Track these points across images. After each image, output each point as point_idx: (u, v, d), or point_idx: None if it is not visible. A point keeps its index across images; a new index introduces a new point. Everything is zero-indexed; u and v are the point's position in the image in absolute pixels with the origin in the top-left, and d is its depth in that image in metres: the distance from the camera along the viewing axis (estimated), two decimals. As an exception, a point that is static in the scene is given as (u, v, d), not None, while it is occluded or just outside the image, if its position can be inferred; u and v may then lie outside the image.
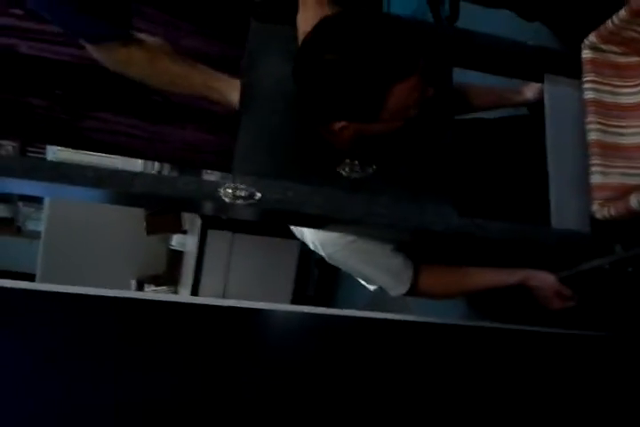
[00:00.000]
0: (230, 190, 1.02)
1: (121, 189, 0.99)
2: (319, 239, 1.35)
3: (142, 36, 1.32)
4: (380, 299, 1.58)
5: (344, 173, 1.13)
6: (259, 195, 1.03)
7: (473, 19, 1.75)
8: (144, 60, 1.28)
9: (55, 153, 3.18)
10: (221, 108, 1.50)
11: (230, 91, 1.24)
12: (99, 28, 1.21)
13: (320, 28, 1.07)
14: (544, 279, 1.37)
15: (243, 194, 1.03)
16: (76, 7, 1.15)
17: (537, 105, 1.46)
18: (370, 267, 1.39)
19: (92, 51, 1.26)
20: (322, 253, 1.39)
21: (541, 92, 1.40)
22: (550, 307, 1.38)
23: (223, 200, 1.02)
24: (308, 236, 1.37)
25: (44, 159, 3.07)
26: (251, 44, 1.20)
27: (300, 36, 1.13)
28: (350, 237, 1.32)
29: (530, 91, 1.53)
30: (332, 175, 1.12)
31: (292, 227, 1.41)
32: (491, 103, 1.60)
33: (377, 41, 1.03)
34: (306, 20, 1.13)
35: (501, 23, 1.67)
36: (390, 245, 1.37)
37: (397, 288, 1.41)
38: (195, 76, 1.30)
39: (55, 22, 1.19)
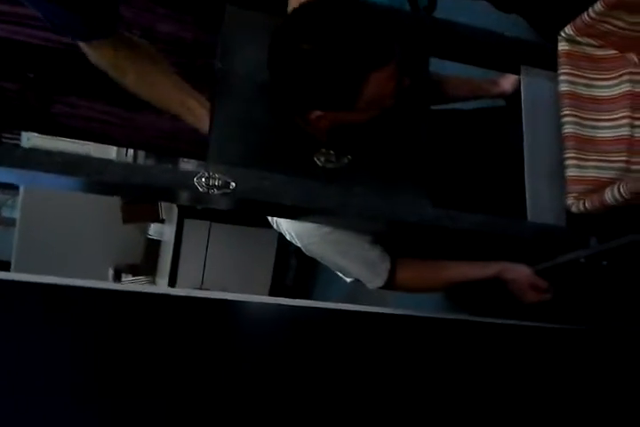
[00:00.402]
0: (204, 179, 1.01)
1: (92, 178, 0.97)
2: (295, 230, 1.35)
3: (130, 35, 1.30)
4: (358, 289, 1.58)
5: (319, 162, 1.13)
6: (233, 184, 1.02)
7: (450, 9, 1.75)
8: (129, 67, 1.27)
9: (30, 139, 3.14)
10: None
11: (204, 117, 1.25)
12: (83, 26, 1.19)
13: (293, 16, 1.06)
14: (519, 272, 1.37)
15: (217, 183, 1.02)
16: (61, 4, 1.13)
17: (514, 97, 1.46)
18: (346, 259, 1.39)
19: (82, 46, 1.24)
20: (298, 244, 1.38)
21: (518, 84, 1.41)
22: (525, 300, 1.38)
23: (198, 189, 1.01)
24: (284, 226, 1.37)
25: (17, 146, 3.04)
26: (225, 30, 1.18)
27: None
28: (326, 229, 1.32)
29: (507, 83, 1.53)
30: (307, 165, 1.12)
31: (269, 217, 1.41)
32: (467, 94, 1.60)
33: (352, 29, 1.01)
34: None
35: (479, 14, 1.67)
36: (367, 237, 1.37)
37: (374, 281, 1.41)
38: (174, 94, 1.30)
39: (41, 15, 1.17)
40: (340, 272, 1.45)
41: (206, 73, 1.73)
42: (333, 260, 1.40)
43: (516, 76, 1.43)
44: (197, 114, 1.29)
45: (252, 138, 1.13)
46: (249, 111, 1.14)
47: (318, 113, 1.09)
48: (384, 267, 1.39)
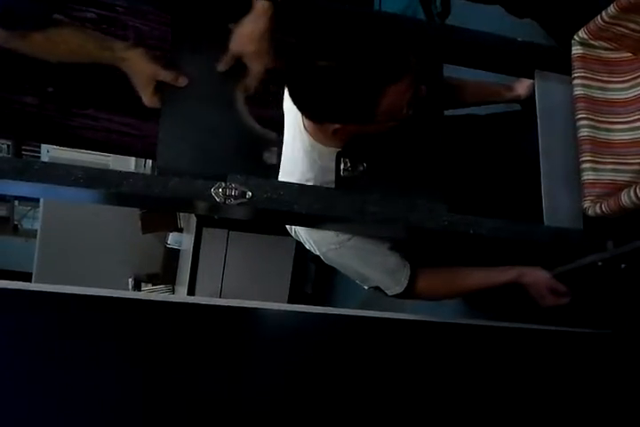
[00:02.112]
0: (222, 190, 1.02)
1: (111, 190, 0.99)
2: (313, 238, 1.35)
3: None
4: (376, 296, 1.57)
5: (342, 172, 1.14)
6: (250, 194, 1.03)
7: (464, 15, 1.75)
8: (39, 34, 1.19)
9: (49, 152, 3.17)
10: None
11: (127, 51, 1.19)
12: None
13: (310, 33, 1.09)
14: (537, 276, 1.36)
15: (234, 193, 1.03)
16: None
17: (529, 101, 1.46)
18: (366, 266, 1.37)
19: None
20: (317, 252, 1.38)
21: (534, 89, 1.40)
22: (544, 304, 1.37)
23: (214, 200, 1.02)
24: (303, 234, 1.37)
25: (36, 159, 3.08)
26: (175, 36, 1.20)
27: (236, 41, 1.14)
28: (345, 236, 1.31)
29: (522, 87, 1.52)
30: (258, 164, 1.13)
31: (287, 225, 1.41)
32: (482, 99, 1.60)
33: (367, 44, 1.03)
34: (248, 32, 1.14)
35: (492, 20, 1.67)
36: (386, 243, 1.36)
37: (394, 288, 1.40)
38: (89, 41, 1.22)
39: None
40: (359, 280, 1.44)
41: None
42: (353, 267, 1.38)
43: (531, 81, 1.43)
44: (116, 50, 1.21)
45: (200, 139, 1.15)
46: (199, 114, 1.16)
47: (337, 126, 1.10)
48: (404, 274, 1.38)
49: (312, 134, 1.21)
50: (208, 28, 1.19)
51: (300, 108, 1.12)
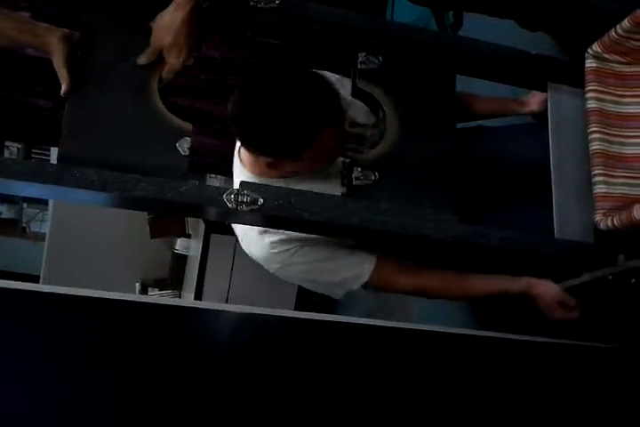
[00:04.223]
0: (233, 196, 1.02)
1: (123, 194, 0.99)
2: (256, 257, 1.37)
3: None
4: (382, 307, 1.58)
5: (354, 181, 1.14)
6: (261, 200, 1.03)
7: (476, 28, 1.76)
8: None
9: (60, 156, 3.18)
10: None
11: (47, 33, 1.15)
12: None
13: (255, 77, 1.16)
14: (547, 288, 1.35)
15: (246, 200, 1.03)
16: None
17: (541, 114, 1.46)
18: (316, 276, 1.39)
19: None
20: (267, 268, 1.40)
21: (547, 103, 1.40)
22: (552, 317, 1.35)
23: (226, 205, 1.02)
24: (249, 253, 1.39)
25: (48, 161, 3.09)
26: (87, 18, 1.18)
27: (154, 33, 1.15)
28: (286, 254, 1.33)
29: (534, 103, 1.52)
30: (169, 154, 1.12)
31: (240, 240, 1.41)
32: (494, 113, 1.60)
33: (307, 90, 1.13)
34: (166, 23, 1.14)
35: (504, 32, 1.67)
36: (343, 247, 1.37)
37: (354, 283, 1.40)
38: (6, 22, 1.17)
39: None
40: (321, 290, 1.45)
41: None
42: (306, 283, 1.43)
43: (544, 95, 1.42)
44: (38, 33, 1.17)
45: (110, 129, 1.12)
46: (109, 102, 1.13)
47: (270, 159, 1.19)
48: (364, 273, 1.38)
49: (247, 166, 1.30)
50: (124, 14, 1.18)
51: (241, 138, 1.19)
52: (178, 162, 1.11)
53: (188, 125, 1.13)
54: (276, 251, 1.32)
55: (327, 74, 1.35)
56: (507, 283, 1.39)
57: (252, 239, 1.35)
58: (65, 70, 1.12)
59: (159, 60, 1.16)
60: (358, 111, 1.37)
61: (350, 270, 1.37)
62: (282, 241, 1.31)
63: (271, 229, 1.30)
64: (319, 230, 1.19)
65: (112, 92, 1.13)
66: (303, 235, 1.28)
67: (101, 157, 1.07)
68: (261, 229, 1.30)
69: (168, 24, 1.14)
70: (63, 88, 1.12)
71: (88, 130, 1.11)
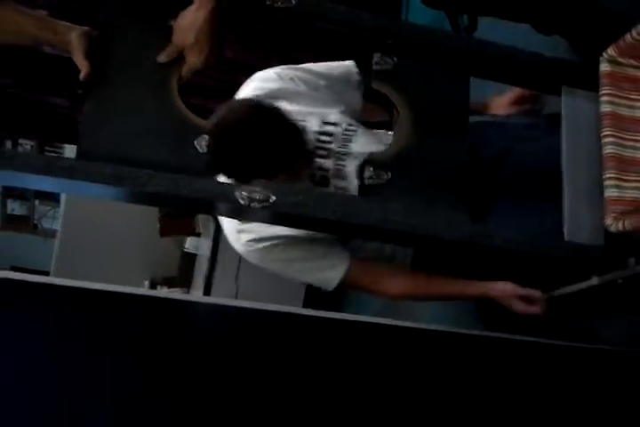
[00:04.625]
0: (246, 193, 1.03)
1: (137, 189, 1.00)
2: (242, 254, 1.44)
3: None
4: (389, 306, 1.59)
5: (366, 181, 1.15)
6: (274, 198, 1.04)
7: (491, 31, 1.75)
8: None
9: (73, 152, 3.20)
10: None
11: (66, 31, 1.17)
12: None
13: (224, 128, 1.16)
14: (502, 289, 1.43)
15: (258, 197, 1.03)
16: None
17: (554, 117, 1.46)
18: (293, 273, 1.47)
19: None
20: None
21: (514, 108, 1.52)
22: (515, 311, 1.42)
23: (239, 202, 1.03)
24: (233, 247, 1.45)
25: (62, 156, 3.10)
26: (106, 17, 1.19)
27: (176, 33, 1.15)
28: (272, 253, 1.40)
29: (498, 107, 1.55)
30: (186, 152, 1.12)
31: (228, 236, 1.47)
32: None
33: (265, 144, 1.17)
34: (188, 23, 1.15)
35: (518, 36, 1.67)
36: (321, 247, 1.43)
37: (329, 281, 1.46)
38: (26, 20, 1.19)
39: None
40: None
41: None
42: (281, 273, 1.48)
43: (507, 99, 1.55)
44: (59, 30, 1.18)
45: (129, 126, 1.13)
46: (128, 99, 1.14)
47: None
48: (337, 273, 1.44)
49: None
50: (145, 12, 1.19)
51: (212, 164, 1.19)
52: (196, 159, 1.12)
53: (205, 123, 1.14)
54: (252, 249, 1.40)
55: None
56: (469, 288, 1.48)
57: (231, 237, 1.42)
58: (86, 62, 1.13)
59: (178, 58, 1.17)
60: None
61: (323, 272, 1.44)
62: (255, 240, 1.38)
63: (247, 228, 1.38)
64: (330, 229, 1.20)
65: (132, 90, 1.14)
66: (277, 233, 1.36)
67: (120, 154, 1.08)
68: (239, 227, 1.38)
69: (190, 23, 1.14)
70: (82, 73, 1.13)
71: (107, 127, 1.12)
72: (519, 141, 1.54)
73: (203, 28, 1.14)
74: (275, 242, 1.38)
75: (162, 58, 1.16)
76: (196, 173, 1.08)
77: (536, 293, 1.41)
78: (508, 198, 1.51)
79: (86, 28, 1.18)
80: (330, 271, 1.43)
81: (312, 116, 1.39)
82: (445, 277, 1.50)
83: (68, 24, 1.19)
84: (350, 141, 1.40)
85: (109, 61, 1.15)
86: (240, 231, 1.38)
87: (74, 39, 1.15)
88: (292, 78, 1.42)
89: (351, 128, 1.42)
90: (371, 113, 1.51)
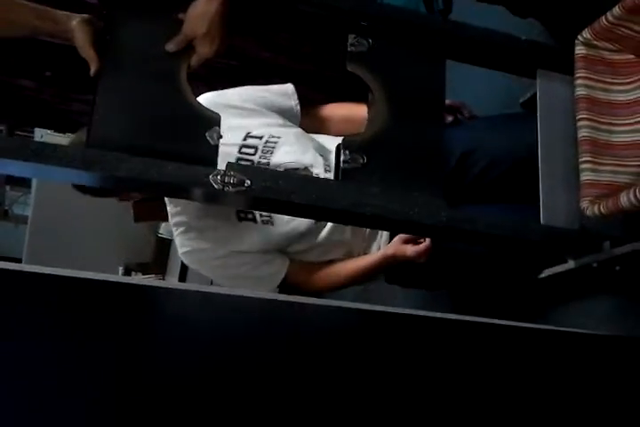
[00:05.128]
0: (220, 177, 1.02)
1: (107, 173, 0.98)
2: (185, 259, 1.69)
3: None
4: (368, 291, 1.60)
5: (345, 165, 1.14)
6: (248, 182, 1.02)
7: (465, 13, 1.75)
8: None
9: (43, 137, 3.16)
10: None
11: (67, 20, 1.15)
12: None
13: None
14: (393, 242, 1.56)
15: (232, 181, 1.02)
16: None
17: (530, 101, 1.46)
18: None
19: None
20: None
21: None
22: (414, 257, 1.52)
23: (212, 187, 1.01)
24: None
25: (32, 140, 3.05)
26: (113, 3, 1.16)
27: (187, 23, 1.14)
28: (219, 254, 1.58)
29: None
30: (198, 144, 1.11)
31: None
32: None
33: None
34: (199, 13, 1.14)
35: (494, 19, 1.67)
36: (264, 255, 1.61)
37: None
38: (26, 10, 1.17)
39: None
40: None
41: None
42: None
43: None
44: (58, 19, 1.17)
45: (139, 116, 1.11)
46: (138, 89, 1.12)
47: None
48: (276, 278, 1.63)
49: None
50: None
51: None
52: (207, 151, 1.09)
53: (216, 115, 1.12)
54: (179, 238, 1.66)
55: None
56: (370, 257, 1.63)
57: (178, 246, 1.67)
58: (92, 51, 1.12)
59: (187, 48, 1.15)
60: None
61: (261, 276, 1.63)
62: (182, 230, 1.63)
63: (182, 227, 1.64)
64: (307, 213, 1.19)
65: (142, 80, 1.12)
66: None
67: (130, 145, 1.05)
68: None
69: (202, 13, 1.13)
70: (92, 69, 1.12)
71: (117, 118, 1.10)
72: (483, 138, 1.57)
73: (214, 18, 1.13)
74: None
75: (171, 47, 1.14)
76: (210, 165, 1.06)
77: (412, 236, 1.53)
78: (482, 188, 1.54)
79: (86, 15, 1.16)
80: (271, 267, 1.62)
81: (238, 130, 1.53)
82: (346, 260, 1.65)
83: (67, 13, 1.17)
84: (271, 153, 1.55)
85: (116, 51, 1.13)
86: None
87: (75, 28, 1.14)
88: (220, 94, 1.59)
89: (273, 140, 1.57)
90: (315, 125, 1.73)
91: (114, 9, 1.15)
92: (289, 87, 1.70)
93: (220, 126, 1.11)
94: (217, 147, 1.10)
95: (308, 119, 1.72)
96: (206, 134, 1.10)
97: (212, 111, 1.13)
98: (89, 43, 1.12)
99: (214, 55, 1.17)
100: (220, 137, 1.11)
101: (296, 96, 1.69)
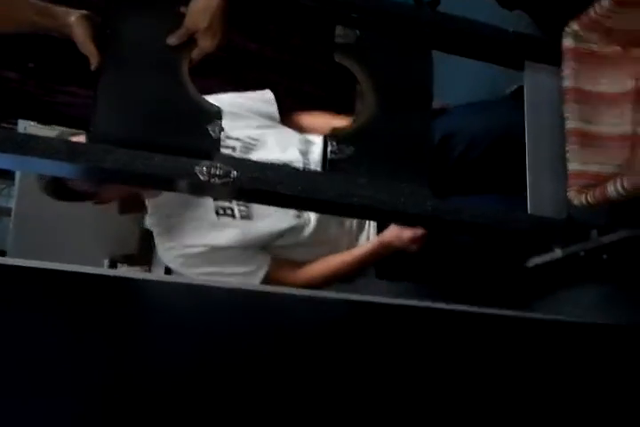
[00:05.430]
0: (206, 168, 1.01)
1: (92, 164, 0.97)
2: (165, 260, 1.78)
3: None
4: (360, 283, 1.62)
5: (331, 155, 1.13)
6: (235, 173, 1.02)
7: (454, 5, 1.74)
8: None
9: (27, 129, 3.12)
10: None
11: (66, 15, 1.15)
12: None
13: None
14: (389, 231, 1.57)
15: (219, 172, 1.01)
16: None
17: (516, 92, 1.46)
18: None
19: None
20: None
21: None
22: (411, 242, 1.54)
23: (199, 178, 1.01)
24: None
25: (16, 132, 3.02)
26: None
27: (189, 16, 1.13)
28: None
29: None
30: (201, 137, 1.10)
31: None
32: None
33: None
34: (201, 7, 1.14)
35: (481, 11, 1.67)
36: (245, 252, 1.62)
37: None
38: (26, 6, 1.17)
39: None
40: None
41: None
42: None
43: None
44: (58, 15, 1.17)
45: (142, 111, 1.11)
46: (140, 82, 1.11)
47: None
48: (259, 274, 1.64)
49: None
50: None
51: None
52: (209, 145, 1.08)
53: (218, 108, 1.11)
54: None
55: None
56: (364, 247, 1.64)
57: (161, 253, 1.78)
58: (92, 46, 1.12)
59: (189, 41, 1.14)
60: None
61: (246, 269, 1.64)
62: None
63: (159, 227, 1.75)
64: (294, 204, 1.18)
65: (143, 74, 1.11)
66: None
67: (133, 139, 1.04)
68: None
69: (204, 7, 1.13)
70: (93, 64, 1.11)
71: (119, 113, 1.09)
72: (462, 122, 1.58)
73: (216, 12, 1.13)
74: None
75: (172, 40, 1.13)
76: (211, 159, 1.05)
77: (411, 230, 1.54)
78: (467, 180, 1.55)
79: (85, 11, 1.16)
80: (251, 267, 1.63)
81: None
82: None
83: (65, 8, 1.16)
84: (249, 153, 1.60)
85: (116, 45, 1.12)
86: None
87: (74, 24, 1.13)
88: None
89: (252, 142, 1.62)
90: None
91: (114, 2, 1.14)
92: (268, 94, 1.72)
93: (221, 120, 1.10)
94: (219, 140, 1.09)
95: (288, 126, 1.74)
96: (208, 127, 1.09)
97: (213, 105, 1.12)
98: (89, 38, 1.12)
99: (216, 49, 1.17)
100: (222, 130, 1.10)
101: (275, 103, 1.75)
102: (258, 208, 1.58)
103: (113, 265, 3.49)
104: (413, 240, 1.53)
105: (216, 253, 1.60)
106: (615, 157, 1.15)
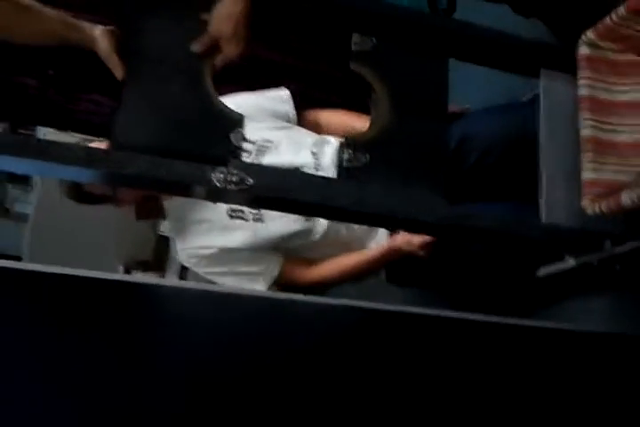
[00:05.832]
0: (222, 175, 1.02)
1: (112, 170, 0.98)
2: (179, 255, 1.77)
3: None
4: (371, 290, 1.62)
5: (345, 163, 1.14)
6: (251, 180, 1.02)
7: (470, 12, 1.75)
8: None
9: (45, 135, 3.15)
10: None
11: (90, 28, 1.19)
12: None
13: None
14: (397, 237, 1.59)
15: (235, 179, 1.02)
16: None
17: (533, 100, 1.46)
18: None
19: None
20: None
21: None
22: (421, 248, 1.56)
23: (215, 185, 1.02)
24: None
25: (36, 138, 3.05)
26: (130, 9, 1.17)
27: (213, 23, 1.14)
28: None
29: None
30: (221, 146, 1.11)
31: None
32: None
33: None
34: (225, 14, 1.15)
35: (497, 18, 1.67)
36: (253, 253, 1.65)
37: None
38: (53, 19, 1.20)
39: None
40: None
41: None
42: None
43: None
44: (84, 29, 1.20)
45: (165, 119, 1.11)
46: (164, 91, 1.12)
47: None
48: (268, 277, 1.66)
49: None
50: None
51: None
52: (231, 152, 1.09)
53: (240, 116, 1.12)
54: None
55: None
56: (371, 251, 1.66)
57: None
58: (116, 59, 1.15)
59: (212, 49, 1.16)
60: None
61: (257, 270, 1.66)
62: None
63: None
64: (309, 211, 1.19)
65: (167, 82, 1.12)
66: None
67: (156, 147, 1.05)
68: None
69: (228, 14, 1.14)
70: (118, 74, 1.14)
71: (143, 121, 1.10)
72: (479, 126, 1.58)
73: (240, 19, 1.15)
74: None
75: (196, 47, 1.15)
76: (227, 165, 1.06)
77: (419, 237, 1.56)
78: (483, 185, 1.55)
79: (107, 27, 1.19)
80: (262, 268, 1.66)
81: None
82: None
83: (89, 23, 1.20)
84: (263, 156, 1.61)
85: (140, 55, 1.13)
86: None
87: (99, 37, 1.17)
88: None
89: (266, 144, 1.63)
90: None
91: (137, 11, 1.15)
92: (284, 93, 1.73)
93: (243, 127, 1.11)
94: (241, 148, 1.10)
95: (305, 124, 1.74)
96: (230, 135, 1.10)
97: (236, 112, 1.13)
98: (113, 51, 1.15)
99: (239, 56, 1.18)
100: (244, 138, 1.11)
101: (292, 102, 1.73)
102: (269, 211, 1.59)
103: (127, 271, 3.51)
104: (423, 246, 1.55)
105: (228, 255, 1.62)
106: (630, 165, 1.15)
